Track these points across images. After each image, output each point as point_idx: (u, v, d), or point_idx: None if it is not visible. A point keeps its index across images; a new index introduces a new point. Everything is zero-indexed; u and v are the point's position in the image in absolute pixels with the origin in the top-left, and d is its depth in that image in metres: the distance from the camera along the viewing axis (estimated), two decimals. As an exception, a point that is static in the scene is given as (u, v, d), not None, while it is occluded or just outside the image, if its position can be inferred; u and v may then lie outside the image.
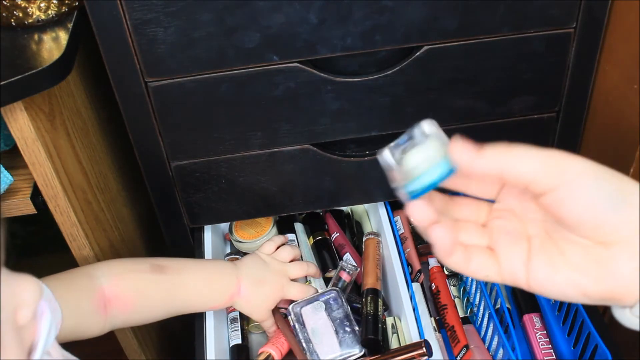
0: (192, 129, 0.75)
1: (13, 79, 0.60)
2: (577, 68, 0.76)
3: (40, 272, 0.64)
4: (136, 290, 0.71)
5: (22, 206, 0.74)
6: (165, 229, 0.87)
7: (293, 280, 0.83)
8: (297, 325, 0.78)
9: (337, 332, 0.77)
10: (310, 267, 0.85)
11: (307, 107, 0.74)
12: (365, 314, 0.79)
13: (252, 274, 0.79)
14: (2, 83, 0.59)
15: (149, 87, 0.71)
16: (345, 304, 0.80)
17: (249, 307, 0.79)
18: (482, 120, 0.79)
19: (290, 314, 0.79)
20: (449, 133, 0.82)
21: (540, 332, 0.79)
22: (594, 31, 0.73)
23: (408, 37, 0.70)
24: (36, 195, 0.74)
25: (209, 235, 0.88)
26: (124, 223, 0.94)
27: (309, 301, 0.80)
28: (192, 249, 0.88)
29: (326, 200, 0.86)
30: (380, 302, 0.80)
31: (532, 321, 0.81)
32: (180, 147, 0.77)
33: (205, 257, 0.86)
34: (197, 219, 0.85)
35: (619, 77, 0.74)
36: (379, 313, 0.79)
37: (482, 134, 0.80)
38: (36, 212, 0.75)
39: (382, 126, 0.78)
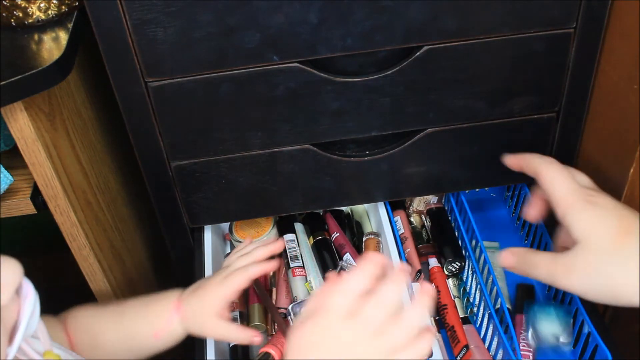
0: (192, 129, 0.75)
1: (13, 79, 0.60)
2: (577, 68, 0.76)
3: (41, 272, 0.64)
4: (85, 323, 0.72)
5: (22, 206, 0.74)
6: (165, 229, 0.87)
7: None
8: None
9: None
10: (255, 255, 0.75)
11: (307, 107, 0.74)
12: None
13: (193, 286, 0.74)
14: (2, 83, 0.59)
15: (149, 87, 0.71)
16: None
17: (192, 318, 0.71)
18: (482, 120, 0.79)
19: (290, 314, 0.79)
20: (450, 133, 0.82)
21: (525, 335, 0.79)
22: (594, 31, 0.73)
23: (408, 37, 0.70)
24: (36, 195, 0.74)
25: (209, 235, 0.88)
26: (124, 223, 0.94)
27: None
28: (192, 249, 0.88)
29: (326, 200, 0.86)
30: None
31: (522, 322, 0.80)
32: (180, 147, 0.77)
33: (206, 257, 0.86)
34: (197, 219, 0.85)
35: (619, 77, 0.74)
36: None
37: (482, 134, 0.80)
38: (36, 212, 0.75)
39: (382, 126, 0.78)
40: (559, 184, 0.61)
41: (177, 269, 0.93)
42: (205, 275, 0.83)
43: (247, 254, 0.76)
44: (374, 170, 0.82)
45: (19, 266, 0.44)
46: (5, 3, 0.67)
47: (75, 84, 0.78)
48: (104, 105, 0.88)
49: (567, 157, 0.85)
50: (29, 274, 0.54)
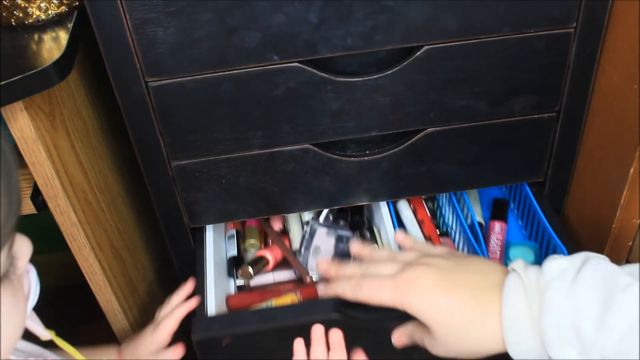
0: (192, 129, 0.75)
1: (13, 79, 0.60)
2: (577, 68, 0.76)
3: (41, 271, 0.64)
4: None
5: (22, 206, 0.74)
6: (165, 229, 0.87)
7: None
8: (306, 236, 0.86)
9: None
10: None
11: (307, 107, 0.75)
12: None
13: (129, 339, 0.83)
14: (2, 83, 0.59)
15: (149, 87, 0.71)
16: None
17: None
18: (482, 120, 0.79)
19: (309, 224, 0.87)
20: (450, 133, 0.82)
21: (496, 237, 0.89)
22: (594, 31, 0.73)
23: (408, 37, 0.70)
24: (36, 195, 0.74)
25: (210, 235, 0.89)
26: (124, 223, 0.94)
27: (328, 226, 0.87)
28: (192, 249, 0.88)
29: (326, 200, 0.86)
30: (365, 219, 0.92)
31: (495, 227, 0.90)
32: (180, 147, 0.77)
33: (206, 257, 0.86)
34: (198, 219, 0.85)
35: (619, 77, 0.74)
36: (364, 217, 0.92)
37: (482, 134, 0.80)
38: (36, 212, 0.75)
39: (382, 126, 0.78)
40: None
41: (178, 269, 0.93)
42: (207, 275, 0.83)
43: (167, 304, 0.84)
44: (374, 170, 0.82)
45: (29, 241, 0.49)
46: (5, 3, 0.67)
47: (75, 84, 0.78)
48: (104, 105, 0.88)
49: (567, 157, 0.85)
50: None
